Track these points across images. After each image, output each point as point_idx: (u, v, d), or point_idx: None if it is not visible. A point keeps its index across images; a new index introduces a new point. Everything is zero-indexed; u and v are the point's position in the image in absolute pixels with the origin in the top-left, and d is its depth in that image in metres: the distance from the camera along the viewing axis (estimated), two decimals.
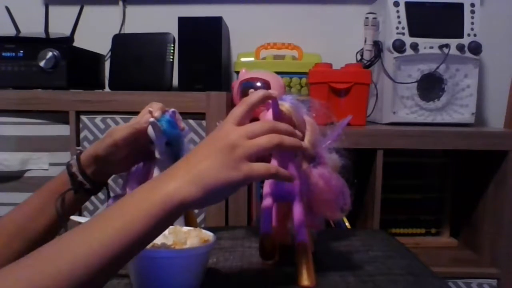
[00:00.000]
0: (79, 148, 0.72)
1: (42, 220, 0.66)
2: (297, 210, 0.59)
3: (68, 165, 0.69)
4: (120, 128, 0.67)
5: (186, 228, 0.61)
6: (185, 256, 0.53)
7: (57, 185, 0.69)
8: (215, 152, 0.48)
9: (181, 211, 0.46)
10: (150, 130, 0.63)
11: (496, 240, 1.12)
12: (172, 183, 0.46)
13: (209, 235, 0.58)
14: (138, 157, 0.70)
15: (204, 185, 0.46)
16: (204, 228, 0.60)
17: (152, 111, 0.65)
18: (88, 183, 0.69)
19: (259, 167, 0.49)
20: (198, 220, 1.10)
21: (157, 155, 0.64)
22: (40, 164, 1.12)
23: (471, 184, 1.24)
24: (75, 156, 0.70)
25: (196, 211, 1.10)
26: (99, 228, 0.43)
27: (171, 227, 0.61)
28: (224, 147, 0.48)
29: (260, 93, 0.53)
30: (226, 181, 0.46)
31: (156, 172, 0.66)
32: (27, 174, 1.12)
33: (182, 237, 0.59)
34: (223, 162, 0.47)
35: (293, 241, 0.59)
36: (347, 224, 1.12)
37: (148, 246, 0.55)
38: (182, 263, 0.53)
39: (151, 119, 0.62)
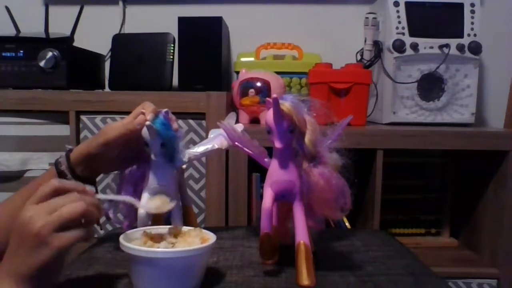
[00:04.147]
0: (70, 146, 0.72)
1: None
2: (297, 210, 0.59)
3: (57, 163, 0.68)
4: (113, 128, 0.66)
5: (186, 228, 0.61)
6: (185, 256, 0.53)
7: (45, 183, 0.69)
8: (20, 243, 0.49)
9: None
10: (145, 132, 0.63)
11: (496, 240, 1.12)
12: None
13: (209, 235, 0.58)
14: (129, 157, 0.69)
15: (22, 276, 0.48)
16: (204, 228, 0.60)
17: (145, 113, 0.64)
18: (77, 181, 0.68)
19: (69, 235, 0.49)
20: (198, 220, 1.10)
21: (152, 157, 0.64)
22: (40, 164, 1.12)
23: (471, 184, 1.24)
24: (64, 154, 0.69)
25: (196, 210, 1.10)
26: None
27: (171, 226, 0.61)
28: (27, 234, 0.48)
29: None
30: (40, 263, 0.48)
31: (151, 174, 0.65)
32: (27, 174, 1.12)
33: (182, 237, 0.59)
34: (30, 247, 0.48)
35: (293, 241, 0.59)
36: (347, 224, 1.12)
37: (148, 246, 0.55)
38: (182, 263, 0.53)
39: (148, 123, 0.61)
